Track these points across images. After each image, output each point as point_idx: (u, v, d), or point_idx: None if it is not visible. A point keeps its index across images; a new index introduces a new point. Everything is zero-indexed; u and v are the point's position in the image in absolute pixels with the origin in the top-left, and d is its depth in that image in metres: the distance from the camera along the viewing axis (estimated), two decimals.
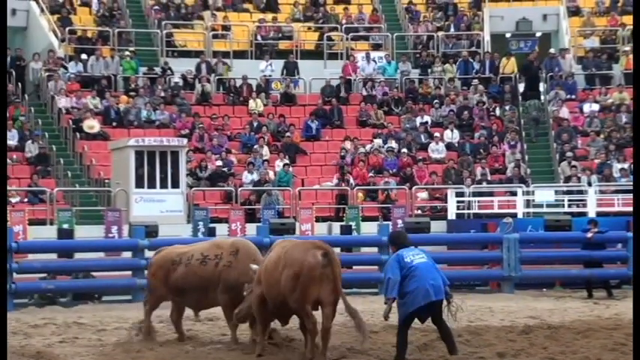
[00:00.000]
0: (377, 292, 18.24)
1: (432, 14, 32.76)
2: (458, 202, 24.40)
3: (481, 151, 27.67)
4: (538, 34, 32.21)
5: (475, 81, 29.89)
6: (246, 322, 11.41)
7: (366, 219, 23.69)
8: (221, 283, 11.48)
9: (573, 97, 29.61)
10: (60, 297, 17.72)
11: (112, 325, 13.91)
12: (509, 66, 30.22)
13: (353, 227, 22.51)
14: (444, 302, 10.36)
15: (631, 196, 23.40)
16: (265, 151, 26.68)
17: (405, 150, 27.20)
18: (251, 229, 21.44)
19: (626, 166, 26.11)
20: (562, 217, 22.01)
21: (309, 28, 32.05)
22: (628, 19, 31.34)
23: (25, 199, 23.97)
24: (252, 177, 25.65)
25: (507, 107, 29.08)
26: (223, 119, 27.93)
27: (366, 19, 32.51)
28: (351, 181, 25.87)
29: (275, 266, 10.43)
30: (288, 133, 27.55)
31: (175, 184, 24.13)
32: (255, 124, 27.82)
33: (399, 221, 22.64)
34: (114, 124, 27.26)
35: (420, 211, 24.90)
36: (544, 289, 19.33)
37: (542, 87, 30.24)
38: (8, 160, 25.19)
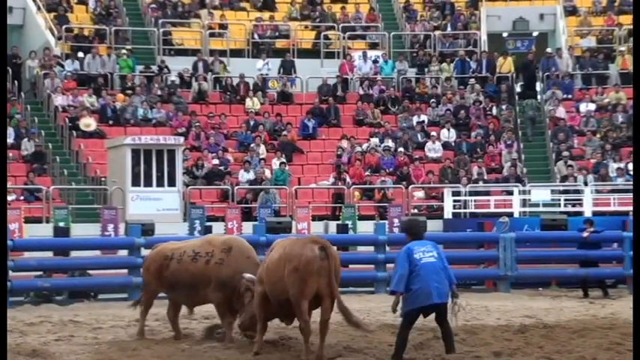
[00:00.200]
0: (373, 290, 18.26)
1: (429, 13, 32.77)
2: (454, 201, 24.42)
3: (478, 150, 27.69)
4: (535, 34, 32.24)
5: (472, 80, 29.90)
6: (249, 331, 11.40)
7: (362, 218, 23.70)
8: (213, 280, 11.49)
9: (570, 96, 29.63)
10: (56, 295, 17.71)
11: (108, 323, 13.90)
12: (506, 65, 30.25)
13: (349, 226, 22.52)
14: (449, 301, 10.34)
15: (627, 195, 23.46)
16: (262, 149, 26.68)
17: (401, 149, 27.22)
18: (247, 227, 21.44)
19: (622, 165, 26.15)
20: (558, 217, 22.03)
21: (306, 26, 32.05)
22: (625, 19, 31.39)
23: (21, 197, 23.96)
24: (248, 176, 25.64)
25: (504, 107, 29.11)
26: (220, 118, 27.92)
27: (363, 18, 32.52)
28: (348, 179, 25.88)
29: (277, 264, 10.47)
30: (284, 132, 27.55)
31: (172, 183, 24.12)
32: (251, 122, 27.82)
33: (396, 220, 22.64)
34: (110, 122, 27.24)
35: (416, 210, 24.91)
36: (540, 289, 19.33)
37: (538, 86, 30.27)
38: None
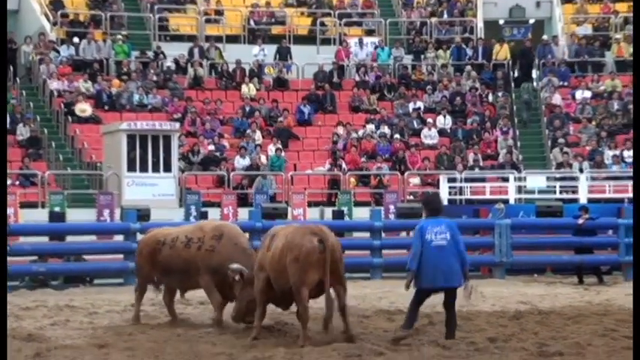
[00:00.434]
0: (369, 276, 18.28)
1: (425, 0, 32.70)
2: (450, 187, 24.44)
3: (473, 137, 27.71)
4: (531, 21, 32.20)
5: (468, 67, 29.89)
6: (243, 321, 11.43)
7: (358, 204, 23.71)
8: (203, 266, 11.52)
9: (566, 83, 29.64)
10: (51, 280, 17.70)
11: (104, 308, 13.90)
12: (502, 52, 30.24)
13: (345, 212, 22.52)
14: (462, 284, 10.42)
15: (622, 182, 23.52)
16: (258, 135, 26.67)
17: (397, 135, 27.22)
18: (243, 213, 21.43)
19: (617, 153, 26.18)
20: (553, 204, 22.03)
21: (302, 13, 31.99)
22: (621, 7, 31.37)
23: (17, 182, 23.92)
24: (244, 161, 25.63)
25: (500, 93, 29.12)
26: (216, 103, 27.89)
27: (359, 4, 32.45)
28: (344, 166, 25.89)
29: (281, 253, 10.52)
30: (280, 118, 27.53)
31: (167, 168, 24.11)
32: (247, 108, 27.78)
33: (391, 206, 22.66)
34: (106, 107, 27.20)
35: (412, 197, 24.92)
36: (535, 275, 19.37)
37: (534, 74, 30.27)
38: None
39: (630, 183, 22.32)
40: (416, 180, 25.90)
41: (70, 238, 18.57)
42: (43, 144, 25.71)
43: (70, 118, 26.37)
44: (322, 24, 31.35)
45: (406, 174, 25.62)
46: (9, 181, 23.72)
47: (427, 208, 10.81)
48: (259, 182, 24.57)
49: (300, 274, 10.31)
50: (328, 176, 25.72)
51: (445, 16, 32.05)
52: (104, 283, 17.79)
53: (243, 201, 23.63)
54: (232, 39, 30.72)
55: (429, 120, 27.95)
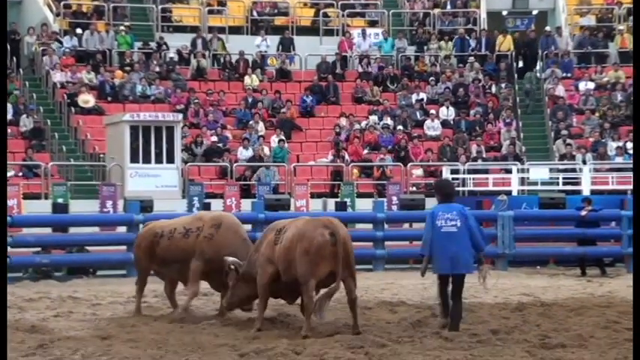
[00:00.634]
0: (371, 268, 18.30)
1: None
2: (453, 179, 24.36)
3: (476, 128, 27.69)
4: (534, 12, 32.13)
5: (471, 58, 29.84)
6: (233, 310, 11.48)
7: (361, 195, 23.70)
8: (198, 252, 11.58)
9: (569, 75, 29.59)
10: (54, 271, 17.73)
11: (107, 299, 13.94)
12: (505, 44, 30.19)
13: (348, 203, 22.52)
14: (479, 264, 10.57)
15: (625, 174, 23.49)
16: (261, 126, 26.66)
17: (400, 127, 27.21)
18: (246, 204, 21.45)
19: (620, 144, 26.16)
20: (556, 195, 22.03)
21: (305, 4, 31.93)
22: None
23: (20, 173, 23.95)
24: (247, 153, 25.63)
25: (503, 85, 29.08)
26: (219, 95, 27.88)
27: None
28: (347, 157, 25.88)
29: (291, 244, 10.53)
30: (283, 109, 27.52)
31: (170, 160, 24.11)
32: (250, 99, 27.78)
33: (394, 198, 22.66)
34: (109, 98, 27.20)
35: (414, 188, 24.94)
36: (538, 267, 19.39)
37: (538, 65, 30.22)
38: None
39: None
40: (419, 171, 25.89)
41: (73, 230, 18.60)
42: (46, 135, 25.72)
43: (72, 109, 26.37)
44: (325, 15, 31.31)
45: (409, 165, 25.61)
46: (12, 173, 23.78)
47: (439, 193, 10.88)
48: (260, 173, 24.58)
49: (310, 266, 10.33)
50: (331, 167, 25.72)
51: (448, 7, 31.98)
52: (107, 274, 17.82)
53: (246, 192, 23.64)
54: (235, 30, 30.69)
55: (432, 111, 27.93)
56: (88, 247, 18.27)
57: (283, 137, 26.25)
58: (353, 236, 19.02)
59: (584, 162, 25.41)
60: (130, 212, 18.11)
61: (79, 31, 28.96)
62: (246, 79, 28.55)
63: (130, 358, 9.16)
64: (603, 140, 26.63)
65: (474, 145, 26.75)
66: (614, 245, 19.37)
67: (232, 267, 11.18)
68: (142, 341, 10.17)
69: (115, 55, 28.87)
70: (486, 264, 10.84)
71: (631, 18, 30.02)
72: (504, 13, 32.14)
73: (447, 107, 28.14)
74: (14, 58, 27.57)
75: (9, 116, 25.68)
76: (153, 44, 29.36)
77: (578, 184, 24.36)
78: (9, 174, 23.50)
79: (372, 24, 31.64)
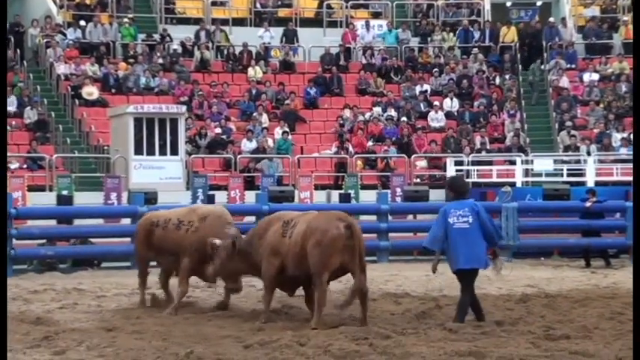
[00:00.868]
0: (375, 260, 18.31)
1: None
2: (457, 170, 24.40)
3: (480, 119, 27.66)
4: (539, 3, 32.07)
5: (475, 50, 29.80)
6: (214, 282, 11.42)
7: (365, 187, 23.72)
8: (187, 245, 11.63)
9: (573, 66, 29.54)
10: (59, 263, 17.77)
11: (112, 291, 13.97)
12: (509, 35, 30.13)
13: (352, 195, 22.54)
14: (493, 257, 10.68)
15: (630, 165, 23.44)
16: (264, 118, 26.65)
17: (404, 118, 27.18)
18: (250, 196, 21.47)
19: (625, 135, 26.12)
20: (561, 187, 22.04)
21: None
22: None
23: (24, 166, 23.98)
24: (251, 145, 25.63)
25: (507, 76, 29.04)
26: (222, 86, 27.87)
27: None
28: (351, 149, 25.87)
29: (304, 238, 10.54)
30: (287, 101, 27.51)
31: (174, 151, 24.12)
32: (254, 91, 27.77)
33: (398, 189, 22.67)
34: (113, 90, 27.20)
35: (419, 180, 24.93)
36: (542, 258, 19.39)
37: (543, 56, 30.13)
38: (7, 126, 25.19)
39: None
40: (423, 163, 25.88)
41: (77, 222, 18.63)
42: (51, 127, 25.74)
43: (77, 101, 26.38)
44: (329, 6, 31.24)
45: (413, 157, 25.60)
46: (17, 165, 23.83)
47: (452, 190, 10.96)
48: (262, 165, 24.60)
49: (324, 259, 10.36)
50: (335, 159, 25.72)
51: None
52: (112, 266, 17.85)
53: (250, 184, 23.66)
54: (238, 22, 30.65)
55: (436, 103, 27.90)
56: (92, 239, 18.29)
57: (287, 129, 26.24)
58: None
59: (589, 153, 25.39)
60: (134, 204, 18.14)
61: (82, 23, 28.94)
62: (250, 71, 28.54)
63: (135, 349, 9.19)
64: (608, 131, 26.59)
65: (478, 136, 26.73)
66: (618, 236, 19.35)
67: (232, 240, 11.15)
68: (147, 333, 10.20)
69: (119, 47, 28.86)
70: (500, 256, 10.92)
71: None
72: (508, 4, 32.08)
73: (451, 99, 28.11)
74: (18, 51, 27.58)
75: (13, 108, 25.74)
76: (156, 36, 29.33)
77: (582, 175, 24.33)
78: (13, 166, 23.56)
79: (376, 15, 31.59)
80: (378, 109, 27.62)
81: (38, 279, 15.95)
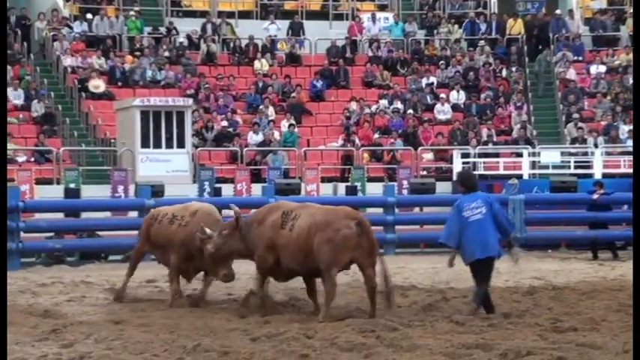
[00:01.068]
0: (382, 252, 18.26)
1: None
2: (463, 163, 24.40)
3: (487, 112, 27.63)
4: None
5: (481, 42, 29.75)
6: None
7: (371, 180, 23.73)
8: (176, 241, 11.67)
9: (580, 58, 29.47)
10: (67, 256, 17.80)
11: (119, 284, 13.96)
12: (516, 27, 30.07)
13: (358, 188, 22.54)
14: (510, 246, 10.83)
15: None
16: (271, 111, 26.66)
17: (410, 111, 27.17)
18: (257, 189, 21.48)
19: (632, 127, 26.05)
20: (568, 179, 22.02)
21: None
22: None
23: (32, 159, 24.04)
24: (257, 137, 25.64)
25: (514, 68, 28.99)
26: (229, 79, 27.88)
27: None
28: (357, 141, 25.87)
29: (309, 233, 10.52)
30: (293, 94, 27.50)
31: (181, 144, 24.15)
32: (260, 84, 27.76)
33: (405, 182, 22.66)
34: (119, 83, 27.23)
35: (425, 172, 24.92)
36: (549, 250, 19.37)
37: (550, 47, 30.07)
38: (14, 120, 25.28)
39: None
40: (429, 155, 25.86)
41: (84, 215, 18.66)
42: (58, 120, 25.78)
43: (83, 94, 26.42)
44: None
45: (419, 149, 25.59)
46: (24, 158, 23.89)
47: (464, 185, 11.06)
48: (268, 158, 24.62)
49: (334, 256, 10.38)
50: (341, 152, 25.72)
51: None
52: (119, 259, 17.86)
53: (256, 177, 23.68)
54: (245, 14, 30.65)
55: (442, 95, 27.88)
56: (99, 232, 18.32)
57: (293, 122, 26.24)
58: None
59: (596, 145, 25.35)
60: (141, 197, 18.17)
61: (89, 16, 28.98)
62: (256, 64, 28.53)
63: (143, 342, 9.20)
64: (615, 123, 26.55)
65: (485, 128, 26.70)
66: (626, 229, 19.30)
67: (235, 216, 11.12)
68: (154, 325, 10.21)
69: (125, 40, 28.88)
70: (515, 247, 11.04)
71: None
72: None
73: (458, 91, 28.08)
74: (25, 44, 27.62)
75: (21, 101, 25.80)
76: (162, 29, 29.34)
77: (589, 167, 24.31)
78: (21, 159, 23.61)
79: (382, 8, 31.55)
80: (384, 102, 27.61)
81: (46, 272, 15.99)
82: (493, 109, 27.68)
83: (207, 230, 11.17)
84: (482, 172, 24.33)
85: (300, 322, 10.23)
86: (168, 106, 24.39)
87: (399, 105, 27.43)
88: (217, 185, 21.88)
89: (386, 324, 9.92)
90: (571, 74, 28.58)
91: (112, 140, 24.94)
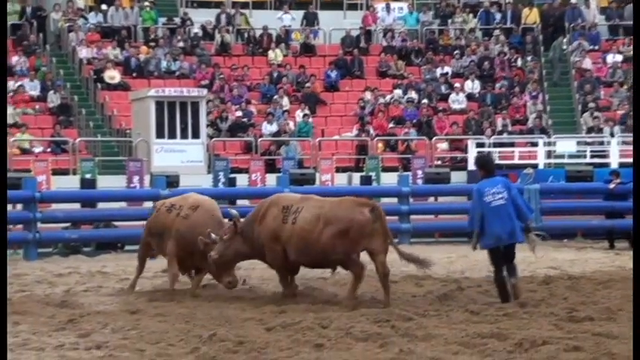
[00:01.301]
0: (396, 242, 18.27)
1: None
2: (478, 152, 24.29)
3: (502, 101, 27.55)
4: None
5: (496, 31, 29.64)
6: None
7: (385, 169, 23.70)
8: (174, 230, 11.70)
9: (596, 47, 29.33)
10: (83, 246, 17.89)
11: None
12: (531, 16, 29.93)
13: (373, 178, 22.53)
14: (527, 232, 10.82)
15: None
16: (285, 101, 26.66)
17: (425, 100, 27.12)
18: (271, 179, 21.50)
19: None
20: (584, 168, 21.94)
21: None
22: None
23: (48, 149, 24.15)
24: (271, 128, 25.65)
25: (529, 58, 28.87)
26: (243, 70, 27.88)
27: None
28: (371, 131, 25.85)
29: (315, 225, 10.55)
30: (308, 84, 27.49)
31: (196, 135, 24.20)
32: (274, 74, 27.76)
33: (419, 172, 22.64)
34: (134, 74, 27.29)
35: (440, 162, 24.89)
36: (565, 240, 19.32)
37: (565, 36, 29.91)
38: (31, 110, 25.40)
39: None
40: (444, 145, 25.82)
41: (100, 205, 18.73)
42: (74, 111, 25.88)
43: (99, 85, 26.50)
44: None
45: (434, 139, 25.55)
46: (41, 149, 24.00)
47: (483, 169, 11.06)
48: (283, 148, 24.65)
49: (350, 246, 10.48)
50: (356, 142, 25.71)
51: None
52: (135, 249, 17.90)
53: (271, 167, 23.71)
54: (259, 5, 30.62)
55: (457, 85, 27.81)
56: (115, 222, 18.39)
57: (308, 112, 26.24)
58: None
59: (612, 134, 25.24)
60: (156, 187, 18.21)
61: (104, 7, 29.03)
62: (270, 54, 28.53)
63: (159, 332, 9.25)
64: (631, 112, 26.39)
65: (500, 118, 26.63)
66: None
67: (233, 220, 11.16)
68: (170, 315, 10.26)
69: (140, 30, 28.92)
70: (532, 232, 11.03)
71: None
72: None
73: (472, 80, 28.00)
74: (41, 35, 27.71)
75: (37, 92, 25.92)
76: (177, 20, 29.37)
77: (606, 156, 24.20)
78: (37, 150, 23.72)
79: None
80: (398, 92, 27.56)
81: (63, 262, 16.07)
82: (508, 99, 27.59)
83: (213, 235, 11.19)
84: (498, 161, 24.24)
85: (316, 311, 10.25)
86: (183, 97, 24.44)
87: (413, 95, 27.39)
88: (232, 175, 21.91)
89: (401, 314, 9.93)
90: (587, 63, 28.45)
91: (128, 131, 25.01)
